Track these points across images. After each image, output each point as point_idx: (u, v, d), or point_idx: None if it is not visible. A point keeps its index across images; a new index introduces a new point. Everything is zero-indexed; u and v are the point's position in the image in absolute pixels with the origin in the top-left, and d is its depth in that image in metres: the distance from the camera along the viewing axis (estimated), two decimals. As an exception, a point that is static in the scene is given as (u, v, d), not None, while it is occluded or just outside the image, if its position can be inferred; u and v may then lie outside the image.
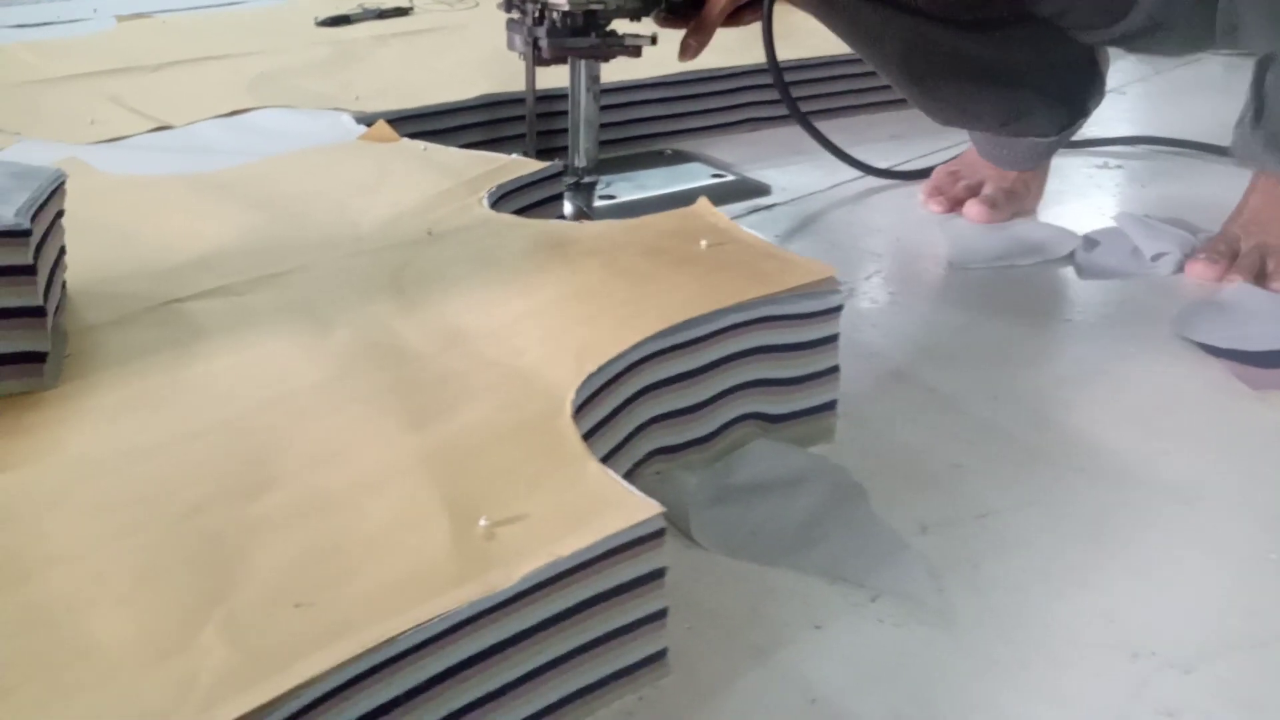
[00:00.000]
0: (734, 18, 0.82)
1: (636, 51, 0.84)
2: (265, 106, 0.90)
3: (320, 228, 0.64)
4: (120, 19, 1.27)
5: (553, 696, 0.37)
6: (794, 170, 1.00)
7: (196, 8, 1.36)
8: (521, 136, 0.92)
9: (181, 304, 0.54)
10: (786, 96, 0.93)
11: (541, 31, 0.81)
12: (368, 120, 0.87)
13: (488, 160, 0.77)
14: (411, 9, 1.34)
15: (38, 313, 0.45)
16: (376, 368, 0.47)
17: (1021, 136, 0.87)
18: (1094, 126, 0.96)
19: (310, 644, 0.30)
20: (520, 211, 0.71)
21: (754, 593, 0.44)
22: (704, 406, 0.52)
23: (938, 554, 0.46)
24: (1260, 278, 0.74)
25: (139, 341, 0.50)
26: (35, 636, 0.31)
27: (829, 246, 0.85)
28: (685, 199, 0.93)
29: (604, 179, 0.95)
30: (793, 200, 0.95)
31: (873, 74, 1.10)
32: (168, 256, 0.59)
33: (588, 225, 0.65)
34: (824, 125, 0.95)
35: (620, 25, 0.83)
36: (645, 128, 1.07)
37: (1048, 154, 0.90)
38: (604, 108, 0.92)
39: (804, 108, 1.00)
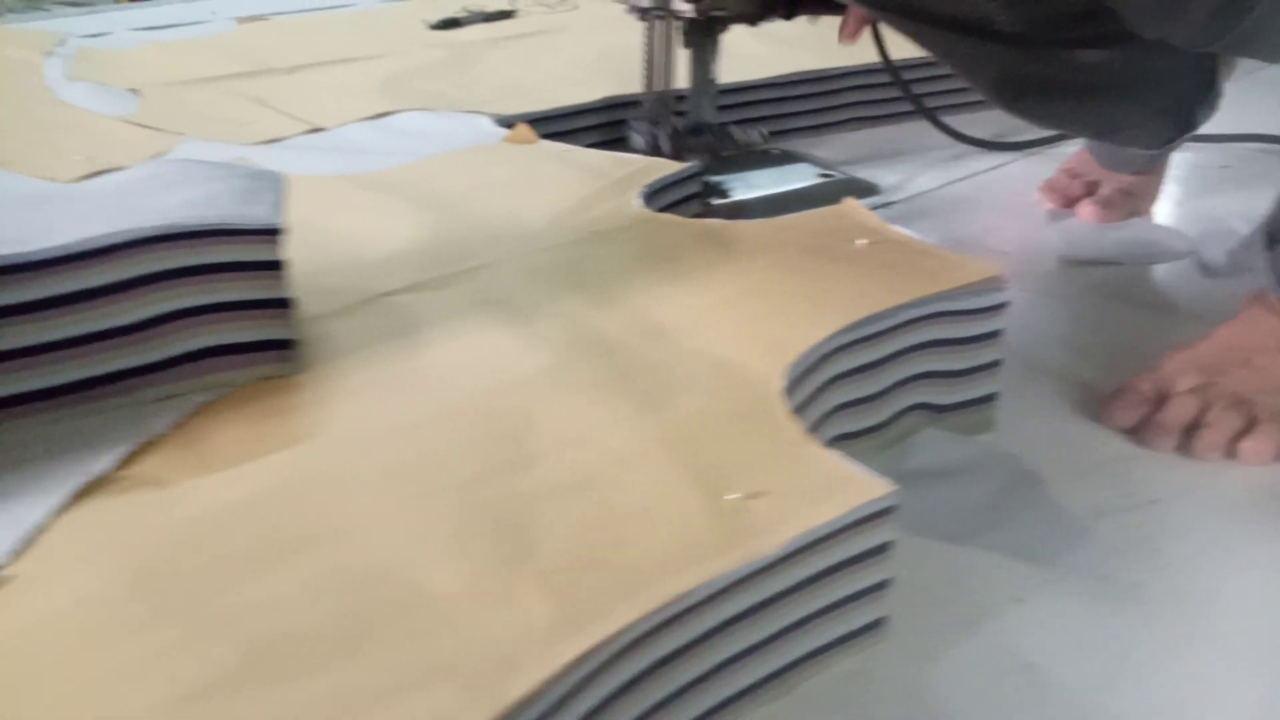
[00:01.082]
0: None
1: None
2: (406, 109, 0.95)
3: (492, 226, 0.68)
4: (240, 21, 1.32)
5: (790, 656, 0.40)
6: (899, 169, 1.03)
7: (307, 10, 1.41)
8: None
9: (391, 297, 0.58)
10: (908, 92, 0.96)
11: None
12: (505, 122, 0.91)
13: (628, 161, 0.80)
14: (515, 12, 1.38)
15: (286, 304, 0.50)
16: (589, 358, 0.51)
17: (1123, 146, 0.89)
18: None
19: (616, 597, 0.34)
20: (664, 209, 0.74)
21: (951, 569, 0.47)
22: (879, 396, 0.55)
23: (1117, 537, 0.49)
24: (1189, 432, 0.56)
25: (363, 331, 0.54)
26: (373, 589, 0.35)
27: (953, 244, 0.87)
28: (797, 198, 0.97)
29: (715, 178, 0.99)
30: (906, 199, 0.97)
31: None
32: (362, 253, 0.63)
33: (742, 224, 0.68)
34: (924, 125, 0.98)
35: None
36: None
37: (1159, 157, 0.92)
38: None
39: (904, 107, 1.04)
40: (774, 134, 1.13)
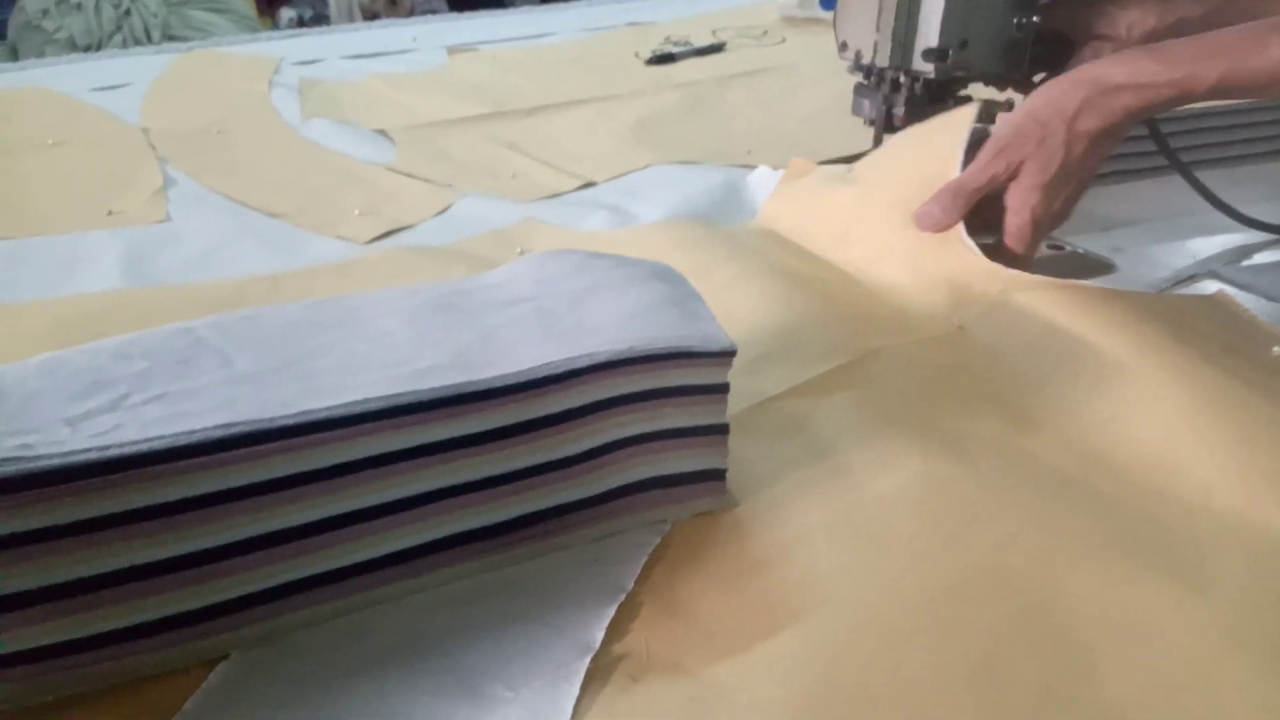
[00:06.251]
0: None
1: (990, 118, 0.80)
2: (672, 161, 0.90)
3: (843, 302, 0.62)
4: (451, 51, 1.29)
5: None
6: (1125, 238, 0.94)
7: (512, 39, 1.37)
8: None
9: (778, 403, 0.52)
10: (1164, 147, 0.87)
11: (898, 99, 0.77)
12: (781, 176, 0.86)
13: (925, 134, 0.72)
14: (724, 45, 1.33)
15: (725, 430, 0.44)
16: (1066, 504, 0.44)
17: None
18: None
19: None
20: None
21: None
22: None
23: None
24: None
25: (771, 449, 0.48)
26: None
27: None
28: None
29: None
30: (1187, 282, 0.88)
31: (1226, 129, 1.05)
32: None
33: (1108, 294, 0.60)
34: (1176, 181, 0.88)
35: (974, 90, 0.80)
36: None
37: None
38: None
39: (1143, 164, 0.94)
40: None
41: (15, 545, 0.33)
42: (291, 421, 0.36)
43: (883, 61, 0.74)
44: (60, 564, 0.34)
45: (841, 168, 0.78)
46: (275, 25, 3.03)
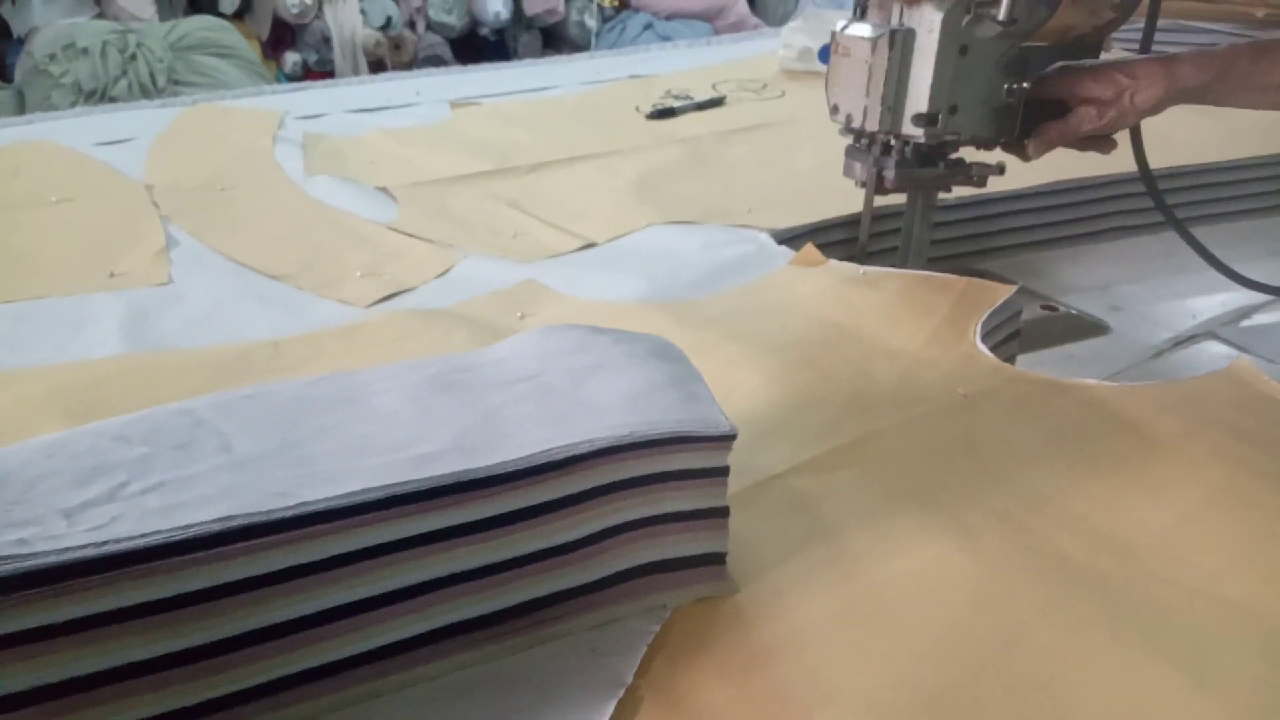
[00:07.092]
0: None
1: (982, 182, 0.80)
2: (673, 221, 0.90)
3: (846, 381, 0.62)
4: (454, 105, 1.30)
5: None
6: (1124, 297, 0.94)
7: (514, 93, 1.38)
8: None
9: (782, 480, 0.52)
10: (1162, 205, 0.88)
11: (889, 162, 0.76)
12: (780, 238, 0.86)
13: (944, 285, 0.74)
14: (724, 99, 1.34)
15: (725, 513, 0.44)
16: (1073, 589, 0.44)
17: None
18: None
19: None
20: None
21: None
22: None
23: None
24: None
25: (774, 530, 0.48)
26: None
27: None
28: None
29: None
30: (1159, 352, 0.87)
31: (1227, 185, 1.06)
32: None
33: (1119, 391, 0.61)
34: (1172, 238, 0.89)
35: (966, 153, 0.80)
36: (957, 246, 1.00)
37: None
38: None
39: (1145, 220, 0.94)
40: (988, 252, 1.03)
41: (10, 645, 0.32)
42: (289, 514, 0.35)
43: (873, 126, 0.74)
44: (56, 662, 0.33)
45: (852, 267, 0.78)
46: (280, 69, 3.06)
